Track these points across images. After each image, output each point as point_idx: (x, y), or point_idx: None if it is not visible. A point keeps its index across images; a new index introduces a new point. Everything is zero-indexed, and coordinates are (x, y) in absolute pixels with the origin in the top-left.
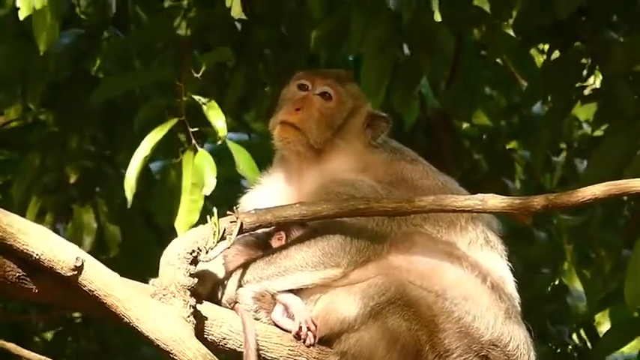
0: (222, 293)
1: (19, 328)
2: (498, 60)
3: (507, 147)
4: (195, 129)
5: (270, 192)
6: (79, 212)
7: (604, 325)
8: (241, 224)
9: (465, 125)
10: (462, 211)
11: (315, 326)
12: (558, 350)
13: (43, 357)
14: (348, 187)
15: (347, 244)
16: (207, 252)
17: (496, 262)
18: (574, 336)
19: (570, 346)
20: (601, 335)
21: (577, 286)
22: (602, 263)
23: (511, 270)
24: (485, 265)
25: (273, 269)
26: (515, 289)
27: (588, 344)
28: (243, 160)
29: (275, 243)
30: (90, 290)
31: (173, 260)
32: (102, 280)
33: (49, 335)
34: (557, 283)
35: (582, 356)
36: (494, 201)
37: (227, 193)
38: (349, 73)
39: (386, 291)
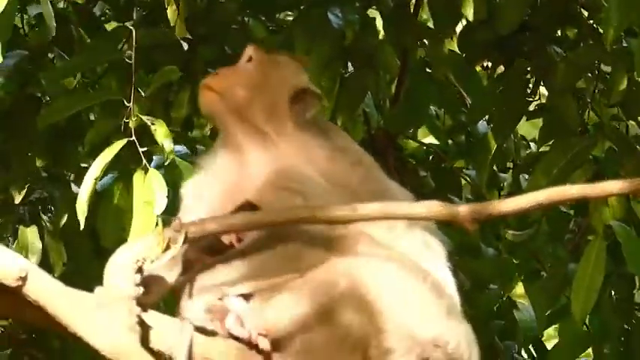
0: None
1: None
2: (443, 77)
3: (454, 165)
4: (145, 149)
5: (215, 180)
6: (23, 232)
7: (553, 341)
8: (186, 233)
9: (411, 143)
10: (407, 218)
11: (267, 330)
12: None
13: None
14: (296, 182)
15: (305, 251)
16: (152, 261)
17: (436, 263)
18: (522, 352)
19: None
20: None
21: (525, 301)
22: (549, 278)
23: (459, 282)
24: (425, 265)
25: (233, 275)
26: (456, 290)
27: None
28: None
29: (226, 240)
30: (34, 301)
31: (118, 269)
32: (46, 290)
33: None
34: (505, 298)
35: None
36: (438, 208)
37: (177, 204)
38: (294, 56)
39: (335, 289)
